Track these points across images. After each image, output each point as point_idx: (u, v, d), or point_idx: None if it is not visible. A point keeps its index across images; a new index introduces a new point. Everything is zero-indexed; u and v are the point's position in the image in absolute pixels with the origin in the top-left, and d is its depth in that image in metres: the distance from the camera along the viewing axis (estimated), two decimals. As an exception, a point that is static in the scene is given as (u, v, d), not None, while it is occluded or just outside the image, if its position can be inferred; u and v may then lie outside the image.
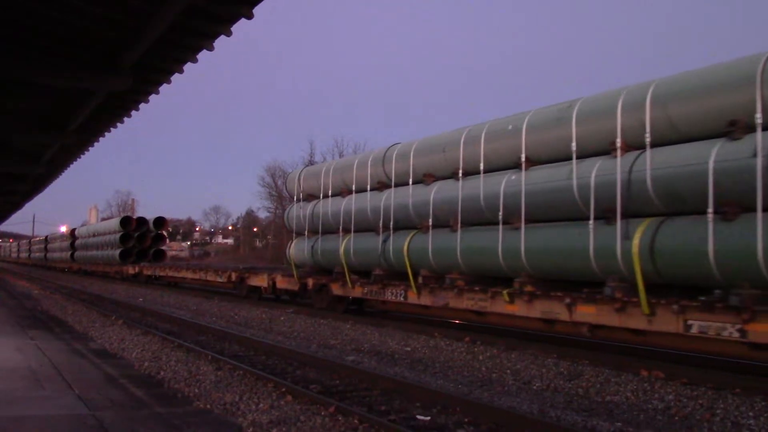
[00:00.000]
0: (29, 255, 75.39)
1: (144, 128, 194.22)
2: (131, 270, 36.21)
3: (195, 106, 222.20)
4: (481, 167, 12.71)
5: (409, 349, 11.83)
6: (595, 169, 10.45)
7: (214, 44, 9.58)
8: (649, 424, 6.99)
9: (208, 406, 7.29)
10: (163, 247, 42.02)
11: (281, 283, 20.06)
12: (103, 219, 69.10)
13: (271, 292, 21.01)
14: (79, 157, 20.95)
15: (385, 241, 15.39)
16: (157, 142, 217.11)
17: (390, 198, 15.42)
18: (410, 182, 14.82)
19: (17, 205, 38.92)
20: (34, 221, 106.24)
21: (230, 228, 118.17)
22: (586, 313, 10.36)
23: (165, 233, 43.26)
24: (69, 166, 23.24)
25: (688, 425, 6.96)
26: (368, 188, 16.29)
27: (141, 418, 6.60)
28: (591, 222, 10.34)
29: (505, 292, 11.78)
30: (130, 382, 8.55)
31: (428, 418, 7.02)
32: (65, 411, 6.80)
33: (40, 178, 24.57)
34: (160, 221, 41.13)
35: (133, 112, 14.11)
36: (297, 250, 19.49)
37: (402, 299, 14.74)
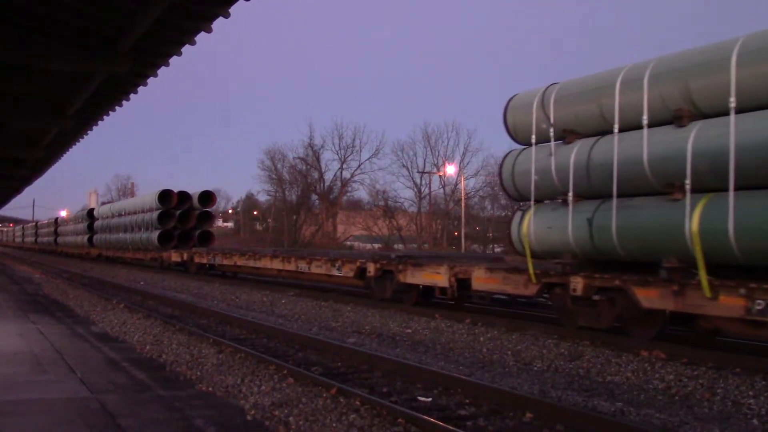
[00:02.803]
0: (35, 239, 69.64)
1: (143, 112, 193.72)
2: (175, 257, 28.96)
3: (193, 89, 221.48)
4: None
5: (410, 330, 11.86)
6: None
7: (212, 26, 9.53)
8: (650, 403, 7.02)
9: (210, 389, 7.31)
10: (211, 229, 34.38)
11: (487, 281, 12.30)
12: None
13: (452, 295, 13.36)
14: (78, 141, 20.92)
15: None
16: (155, 125, 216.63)
17: None
18: None
19: (16, 190, 38.95)
20: (34, 206, 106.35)
21: (230, 211, 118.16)
22: None
23: (213, 211, 35.45)
24: (68, 151, 23.24)
25: (688, 405, 6.99)
26: None
27: (143, 401, 6.63)
28: None
29: None
30: (132, 365, 8.58)
31: (429, 399, 7.04)
32: (68, 395, 6.83)
33: (39, 162, 24.56)
34: (206, 196, 32.82)
35: (132, 96, 14.06)
36: (541, 226, 11.43)
37: None
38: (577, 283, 10.42)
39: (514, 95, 12.58)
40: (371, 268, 15.66)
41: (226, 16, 9.00)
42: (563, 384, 7.88)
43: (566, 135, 11.19)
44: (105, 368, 8.32)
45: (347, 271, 16.93)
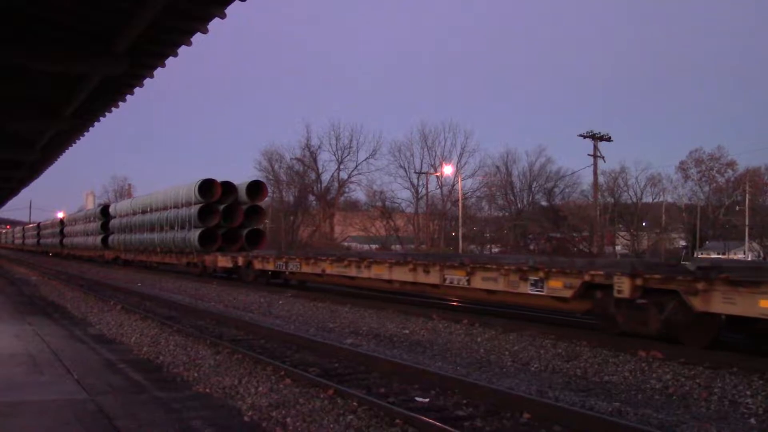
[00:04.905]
0: (37, 241, 65.92)
1: (139, 113, 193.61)
2: (223, 261, 23.45)
3: (190, 90, 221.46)
4: None
5: (407, 331, 11.86)
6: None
7: (208, 27, 9.52)
8: (648, 403, 7.02)
9: (208, 390, 7.30)
10: (261, 227, 28.73)
11: None
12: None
13: None
14: (75, 143, 20.91)
15: None
16: (152, 127, 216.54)
17: None
18: None
19: (13, 192, 38.84)
20: (30, 207, 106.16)
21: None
22: None
23: (262, 206, 29.02)
24: (65, 152, 23.20)
25: (686, 404, 7.00)
26: None
27: (141, 403, 6.62)
28: None
29: None
30: (129, 366, 8.56)
31: (427, 400, 7.04)
32: (65, 396, 6.81)
33: (36, 164, 24.51)
34: (255, 187, 27.35)
35: (128, 97, 14.05)
36: None
37: None
38: None
39: None
40: (625, 286, 9.65)
41: (222, 16, 8.99)
42: (561, 384, 7.88)
43: None
44: (102, 370, 8.31)
45: (557, 288, 10.87)
